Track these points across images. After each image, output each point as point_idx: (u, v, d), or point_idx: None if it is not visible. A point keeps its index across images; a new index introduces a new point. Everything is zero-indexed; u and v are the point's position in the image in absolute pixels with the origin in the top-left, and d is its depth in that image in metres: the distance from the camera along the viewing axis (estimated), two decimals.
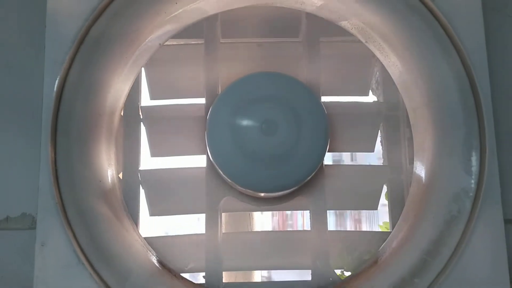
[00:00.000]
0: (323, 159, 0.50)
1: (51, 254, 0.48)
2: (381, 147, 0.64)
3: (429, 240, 0.49)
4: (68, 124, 0.51)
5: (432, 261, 0.49)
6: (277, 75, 0.52)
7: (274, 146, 0.48)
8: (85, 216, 0.50)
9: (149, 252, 0.53)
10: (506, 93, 0.56)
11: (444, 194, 0.50)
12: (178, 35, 0.59)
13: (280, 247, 0.58)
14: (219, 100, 0.51)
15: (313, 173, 0.51)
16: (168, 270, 0.53)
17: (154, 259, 0.53)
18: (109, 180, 0.54)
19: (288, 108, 0.48)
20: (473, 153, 0.50)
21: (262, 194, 0.54)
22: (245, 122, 0.49)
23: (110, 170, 0.54)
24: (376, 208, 0.61)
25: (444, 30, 0.53)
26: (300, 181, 0.50)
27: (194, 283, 0.55)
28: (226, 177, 0.52)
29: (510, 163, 0.54)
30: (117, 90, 0.55)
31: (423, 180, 0.53)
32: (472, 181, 0.50)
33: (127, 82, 0.57)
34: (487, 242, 0.49)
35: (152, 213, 0.59)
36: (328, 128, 0.50)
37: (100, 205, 0.51)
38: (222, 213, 0.58)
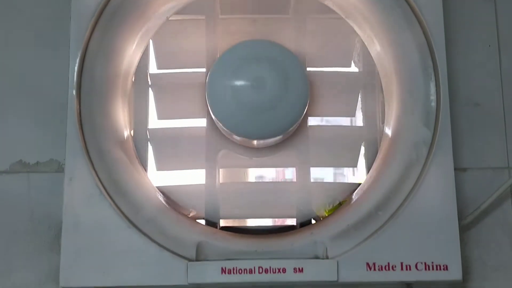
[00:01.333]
0: (304, 112, 0.59)
1: (77, 186, 0.57)
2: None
3: (392, 181, 0.59)
4: (90, 82, 0.60)
5: (393, 198, 0.58)
6: (265, 42, 0.61)
7: (263, 99, 0.57)
8: (105, 158, 0.59)
9: (157, 193, 0.62)
10: (460, 61, 0.65)
11: (406, 144, 0.60)
12: (182, 11, 0.66)
13: (270, 196, 0.65)
14: (218, 61, 0.60)
15: (296, 125, 0.60)
16: (174, 208, 0.62)
17: (162, 199, 0.62)
18: (124, 132, 0.62)
19: (274, 68, 0.58)
20: (431, 111, 0.60)
21: (255, 143, 0.63)
22: (239, 80, 0.58)
23: (124, 125, 0.63)
24: (355, 166, 0.69)
25: (409, 7, 0.62)
26: (285, 129, 0.59)
27: (196, 221, 0.63)
28: (224, 129, 0.61)
29: (460, 121, 0.63)
30: (130, 57, 0.64)
31: (390, 134, 0.62)
32: (429, 133, 0.59)
33: (138, 50, 0.65)
34: (439, 183, 0.58)
35: (159, 168, 0.66)
36: (308, 85, 0.59)
37: (116, 150, 0.60)
38: (220, 168, 0.65)
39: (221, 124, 0.61)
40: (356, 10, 0.65)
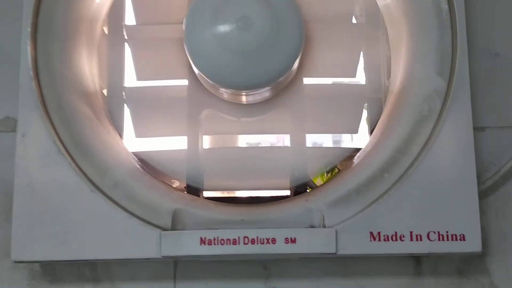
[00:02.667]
0: (298, 56, 0.51)
1: (31, 143, 0.49)
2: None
3: (400, 139, 0.51)
4: (49, 22, 0.52)
5: (401, 158, 0.50)
6: None
7: (249, 42, 0.49)
8: (66, 112, 0.51)
9: (130, 156, 0.55)
10: (477, 5, 0.57)
11: (416, 96, 0.52)
12: None
13: (260, 164, 0.58)
14: (194, 2, 0.52)
15: (289, 73, 0.52)
16: (148, 172, 0.55)
17: (135, 162, 0.54)
18: (90, 86, 0.55)
19: (262, 5, 0.49)
20: (445, 56, 0.51)
21: (244, 98, 0.55)
22: (220, 21, 0.49)
23: (92, 78, 0.55)
24: (357, 132, 0.62)
25: None
26: (276, 77, 0.51)
27: (173, 187, 0.57)
28: (207, 80, 0.53)
29: (477, 74, 0.56)
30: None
31: (398, 87, 0.54)
32: (443, 82, 0.51)
33: None
34: (455, 140, 0.50)
35: (138, 135, 0.60)
36: (302, 23, 0.51)
37: (81, 104, 0.52)
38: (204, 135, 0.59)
39: (203, 76, 0.53)
40: None
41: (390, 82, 0.57)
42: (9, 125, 0.55)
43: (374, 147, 0.53)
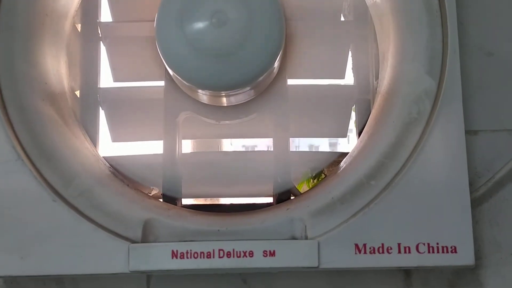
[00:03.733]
0: (278, 53, 0.48)
1: None
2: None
3: (387, 143, 0.48)
4: (10, 18, 0.49)
5: (389, 163, 0.47)
6: None
7: (225, 39, 0.45)
8: (27, 114, 0.48)
9: (100, 162, 0.51)
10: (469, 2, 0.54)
11: (404, 98, 0.49)
12: None
13: (242, 169, 0.56)
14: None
15: (270, 71, 0.49)
16: (121, 180, 0.51)
17: (105, 168, 0.51)
18: (58, 86, 0.51)
19: None
20: (435, 55, 0.48)
21: (224, 100, 0.52)
22: (194, 16, 0.46)
23: (59, 78, 0.52)
24: (345, 136, 0.60)
25: None
26: (255, 76, 0.47)
27: (148, 194, 0.53)
28: (182, 82, 0.50)
29: (470, 74, 0.52)
30: None
31: (386, 88, 0.51)
32: (433, 82, 0.48)
33: None
34: (446, 144, 0.47)
35: (115, 139, 0.58)
36: (282, 17, 0.47)
37: (45, 107, 0.49)
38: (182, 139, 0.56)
39: (178, 77, 0.50)
40: None
41: (379, 82, 0.55)
42: None
43: (361, 152, 0.50)
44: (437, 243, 0.45)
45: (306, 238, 0.46)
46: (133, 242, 0.45)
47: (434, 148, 0.47)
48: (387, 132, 0.48)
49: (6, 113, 0.46)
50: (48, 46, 0.51)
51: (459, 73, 0.48)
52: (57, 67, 0.52)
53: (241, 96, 0.51)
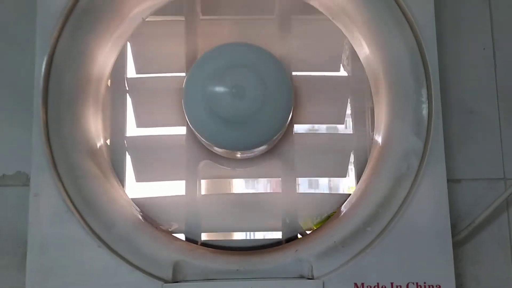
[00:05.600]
0: (287, 121, 0.56)
1: (43, 203, 0.53)
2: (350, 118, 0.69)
3: (381, 195, 0.55)
4: (58, 88, 0.56)
5: (382, 213, 0.55)
6: (245, 45, 0.57)
7: (242, 109, 0.53)
8: (74, 171, 0.55)
9: (133, 207, 0.58)
10: (453, 65, 0.62)
11: (396, 154, 0.56)
12: (159, 12, 0.62)
13: (254, 209, 0.62)
14: (193, 68, 0.56)
15: (280, 134, 0.57)
16: (151, 223, 0.58)
17: (138, 214, 0.58)
18: (96, 142, 0.58)
19: (254, 74, 0.53)
20: (422, 118, 0.56)
21: (238, 155, 0.59)
22: (217, 88, 0.54)
23: (97, 134, 0.59)
24: (345, 176, 0.65)
25: (399, 8, 0.58)
26: (267, 140, 0.55)
27: (175, 236, 0.60)
28: (203, 140, 0.57)
29: (453, 130, 0.60)
30: (103, 60, 0.60)
31: (380, 143, 0.59)
32: (420, 143, 0.56)
33: (112, 53, 0.61)
34: (431, 196, 0.54)
35: (138, 179, 0.63)
36: (292, 92, 0.55)
37: (88, 163, 0.56)
38: (201, 179, 0.63)
39: (199, 136, 0.57)
40: (343, 11, 0.62)
41: (374, 135, 0.61)
42: (21, 180, 0.59)
43: (359, 200, 0.57)
44: (424, 282, 0.52)
45: (313, 277, 0.53)
46: (166, 281, 0.52)
47: (420, 199, 0.54)
48: (381, 185, 0.56)
49: (57, 171, 0.54)
50: (89, 108, 0.58)
51: (442, 135, 0.56)
52: (95, 125, 0.59)
53: (254, 152, 0.59)
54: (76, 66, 0.57)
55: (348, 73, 0.67)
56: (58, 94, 0.56)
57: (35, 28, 0.56)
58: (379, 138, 0.59)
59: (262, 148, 0.58)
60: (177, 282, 0.53)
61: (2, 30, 0.62)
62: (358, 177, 0.62)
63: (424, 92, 0.56)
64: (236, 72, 0.54)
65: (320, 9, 0.64)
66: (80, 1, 0.57)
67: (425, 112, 0.56)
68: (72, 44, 0.57)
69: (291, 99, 0.55)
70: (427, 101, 0.56)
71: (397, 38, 0.58)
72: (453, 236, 0.55)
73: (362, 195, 0.57)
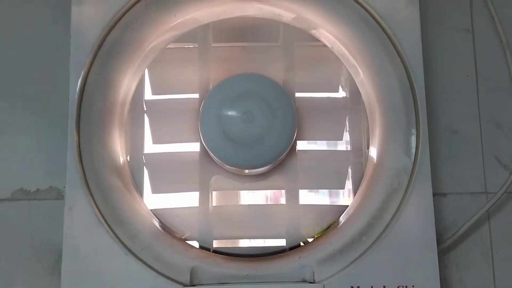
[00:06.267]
0: (291, 143, 0.63)
1: (77, 216, 0.59)
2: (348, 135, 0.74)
3: (375, 208, 0.62)
4: (89, 113, 0.62)
5: (376, 224, 0.61)
6: (255, 76, 0.64)
7: (251, 132, 0.60)
8: (103, 187, 0.61)
9: (152, 218, 0.65)
10: (439, 90, 0.68)
11: (388, 172, 0.63)
12: (177, 40, 0.68)
13: (260, 219, 0.68)
14: (209, 95, 0.63)
15: (284, 154, 0.63)
16: (169, 233, 0.65)
17: (157, 224, 0.65)
18: (120, 160, 0.65)
19: (263, 102, 0.61)
20: (411, 140, 0.63)
21: (246, 171, 0.65)
22: (230, 113, 0.61)
23: (121, 152, 0.65)
24: (343, 188, 0.71)
25: (390, 41, 0.65)
26: (273, 160, 0.62)
27: (190, 244, 0.66)
28: (215, 158, 0.64)
29: (440, 148, 0.66)
30: (127, 86, 0.66)
31: (374, 161, 0.65)
32: (409, 161, 0.62)
33: (134, 80, 0.67)
34: (419, 209, 0.61)
35: (154, 191, 0.69)
36: (296, 118, 0.62)
37: (114, 178, 0.62)
38: (213, 191, 0.68)
39: (212, 154, 0.64)
40: (340, 42, 0.68)
41: (369, 152, 0.68)
42: (53, 194, 0.66)
43: (355, 211, 0.64)
44: (413, 286, 0.59)
45: (314, 281, 0.60)
46: (185, 285, 0.59)
47: (409, 212, 0.61)
48: (375, 198, 0.62)
49: (88, 188, 0.60)
50: (114, 128, 0.64)
51: (428, 154, 0.62)
52: (120, 144, 0.65)
53: (261, 169, 0.65)
54: (104, 93, 0.63)
55: (346, 94, 0.72)
56: (89, 118, 0.63)
57: (68, 59, 0.63)
58: (374, 156, 0.66)
59: (268, 166, 0.65)
60: (194, 286, 0.60)
61: (39, 61, 0.69)
62: (355, 189, 0.68)
63: (412, 116, 0.63)
64: (247, 99, 0.61)
65: (321, 39, 0.70)
66: (108, 37, 0.64)
67: (414, 134, 0.63)
68: (101, 73, 0.63)
69: (294, 124, 0.62)
70: (415, 125, 0.63)
71: (388, 67, 0.64)
72: (439, 244, 0.61)
73: (359, 207, 0.64)
